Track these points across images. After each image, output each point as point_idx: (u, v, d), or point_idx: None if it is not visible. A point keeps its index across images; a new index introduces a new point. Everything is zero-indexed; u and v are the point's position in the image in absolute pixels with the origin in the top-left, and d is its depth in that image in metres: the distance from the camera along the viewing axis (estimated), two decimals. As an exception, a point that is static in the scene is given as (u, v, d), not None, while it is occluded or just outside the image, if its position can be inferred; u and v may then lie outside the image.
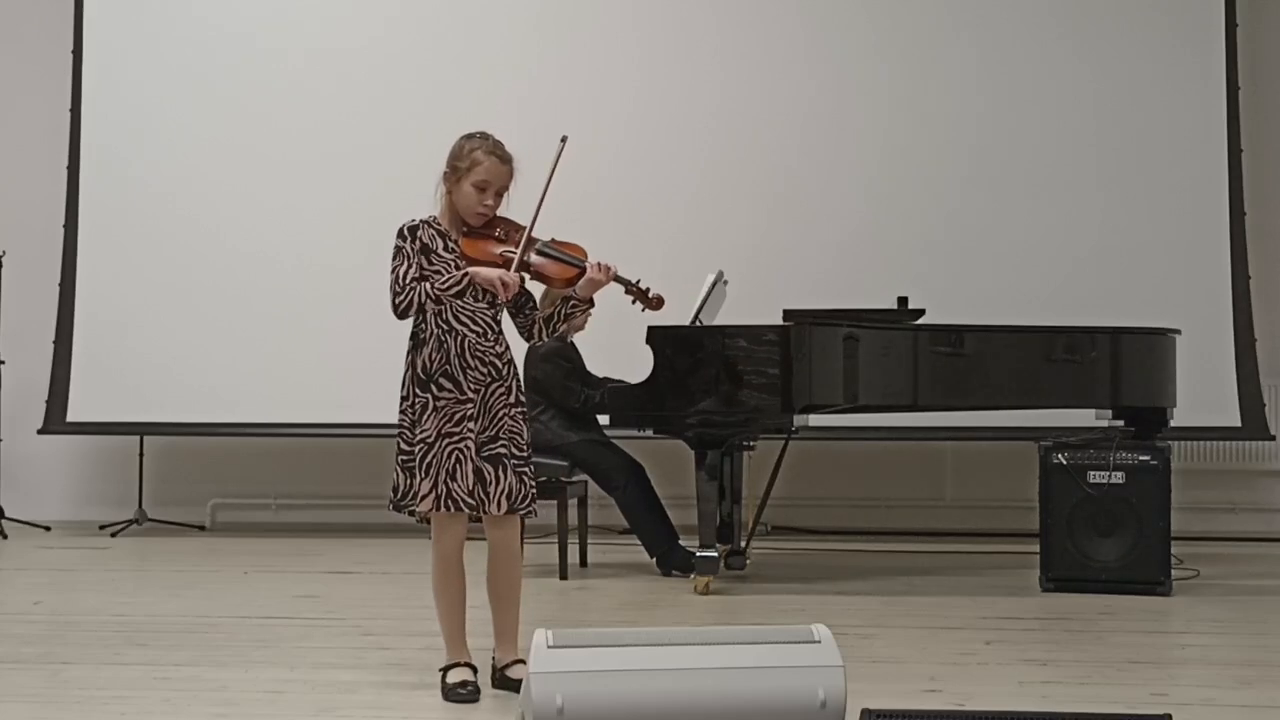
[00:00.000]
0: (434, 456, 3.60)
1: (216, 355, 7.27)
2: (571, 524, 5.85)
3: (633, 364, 5.46)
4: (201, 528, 7.54)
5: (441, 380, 3.62)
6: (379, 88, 7.41)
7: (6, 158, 7.81)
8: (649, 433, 5.62)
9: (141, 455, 7.47)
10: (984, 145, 7.24)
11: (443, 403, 3.62)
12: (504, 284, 3.56)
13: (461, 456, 3.61)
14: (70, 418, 7.36)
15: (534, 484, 3.72)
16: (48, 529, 7.23)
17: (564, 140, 3.66)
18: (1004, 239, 7.17)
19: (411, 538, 6.81)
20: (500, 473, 3.64)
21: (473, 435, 3.62)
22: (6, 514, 7.22)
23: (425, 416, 3.61)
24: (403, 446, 3.66)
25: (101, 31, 7.52)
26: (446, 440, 3.61)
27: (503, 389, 3.68)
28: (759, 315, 5.48)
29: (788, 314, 5.41)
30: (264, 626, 4.67)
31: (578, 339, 5.94)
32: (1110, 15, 7.27)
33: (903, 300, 5.81)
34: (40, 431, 7.39)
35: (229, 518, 7.70)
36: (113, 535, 7.16)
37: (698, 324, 5.43)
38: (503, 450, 3.65)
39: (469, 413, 3.63)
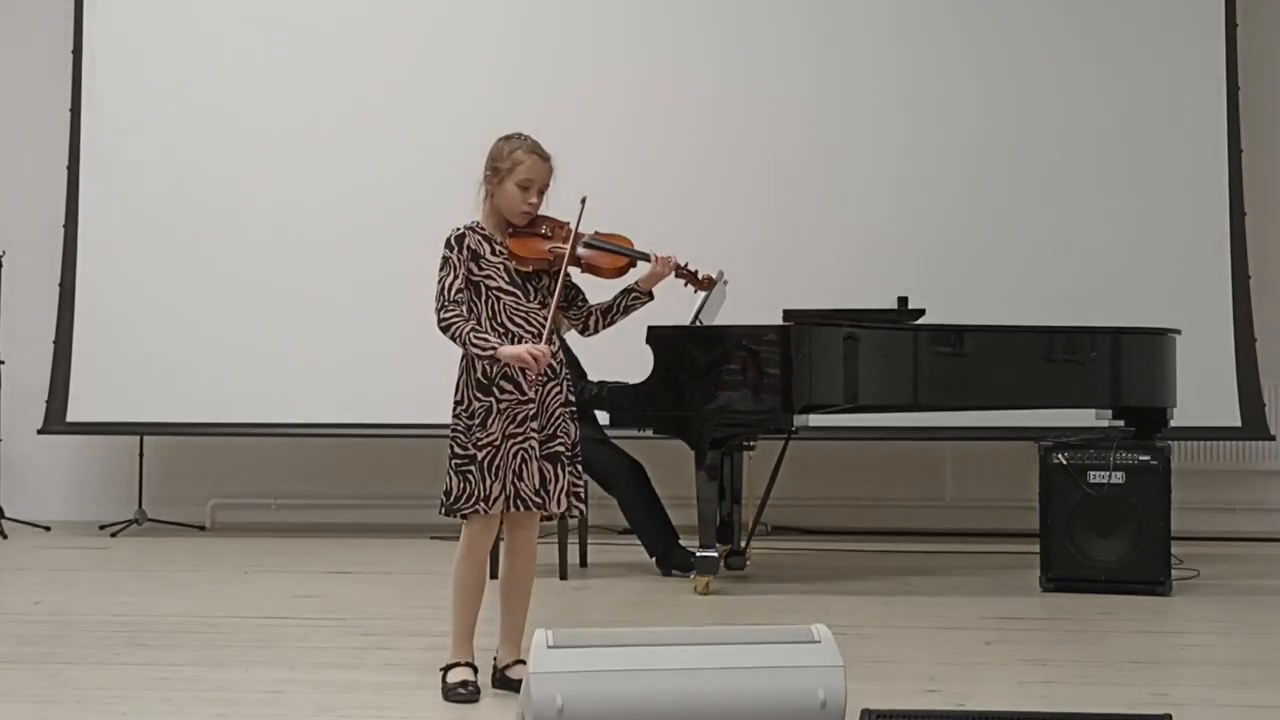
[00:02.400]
0: (501, 458, 3.63)
1: (216, 355, 7.26)
2: (572, 524, 5.85)
3: (633, 364, 5.46)
4: (201, 528, 7.53)
5: (503, 383, 3.64)
6: (381, 88, 7.40)
7: (6, 158, 7.81)
8: (649, 433, 5.62)
9: (141, 455, 7.47)
10: (984, 145, 7.24)
11: (505, 405, 3.64)
12: (534, 358, 3.56)
13: (527, 456, 3.65)
14: (70, 418, 7.35)
15: (581, 483, 3.76)
16: (48, 529, 7.23)
17: (584, 201, 3.69)
18: (1004, 239, 7.17)
19: (411, 537, 6.83)
20: (560, 471, 3.69)
21: (536, 435, 3.66)
22: (6, 514, 7.21)
23: (490, 420, 3.63)
24: (458, 450, 3.65)
25: (101, 31, 7.51)
26: (511, 441, 3.64)
27: (558, 388, 3.72)
28: (759, 315, 5.48)
29: (788, 314, 5.42)
30: (264, 626, 4.67)
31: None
32: (1110, 15, 7.26)
33: (903, 300, 5.81)
34: (40, 431, 7.38)
35: (229, 518, 7.70)
36: (113, 535, 7.15)
37: (698, 324, 5.43)
38: (561, 449, 3.70)
39: (530, 412, 3.66)
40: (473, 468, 3.63)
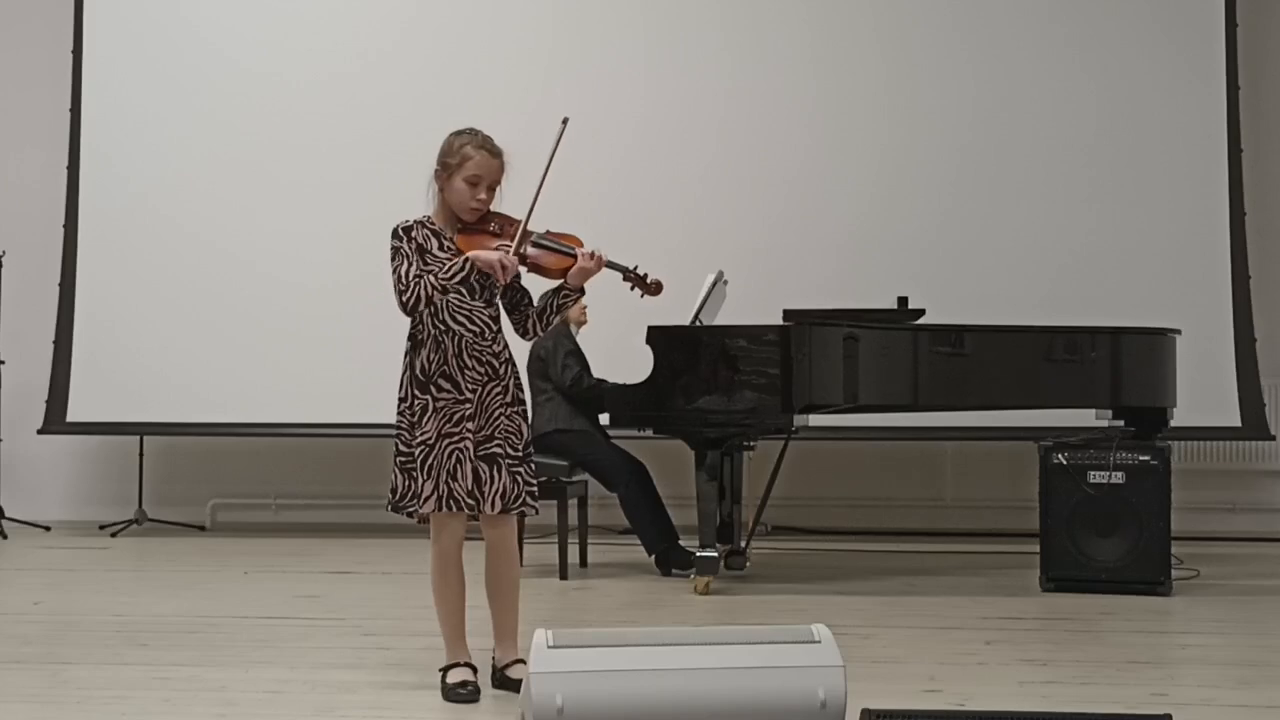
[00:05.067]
0: (435, 457, 3.60)
1: (216, 355, 7.27)
2: (571, 524, 5.85)
3: (633, 364, 5.46)
4: (201, 528, 7.54)
5: (440, 381, 3.62)
6: (381, 88, 7.41)
7: (6, 158, 7.82)
8: (649, 433, 5.62)
9: (141, 455, 7.47)
10: (984, 145, 7.25)
11: (442, 403, 3.62)
12: (503, 266, 3.56)
13: (461, 456, 3.61)
14: (70, 418, 7.36)
15: (532, 483, 3.71)
16: (48, 529, 7.23)
17: (565, 122, 3.62)
18: (1004, 239, 7.18)
19: (411, 538, 6.81)
20: (495, 472, 3.64)
21: (471, 435, 3.62)
22: (6, 514, 7.22)
23: (425, 418, 3.61)
24: (401, 448, 3.65)
25: (101, 31, 7.52)
26: (447, 440, 3.61)
27: (500, 388, 3.68)
28: (759, 315, 5.48)
29: (788, 314, 5.41)
30: (264, 626, 4.67)
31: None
32: (1110, 15, 7.27)
33: (903, 300, 5.81)
34: (40, 431, 7.39)
35: (229, 518, 7.70)
36: (113, 535, 7.16)
37: (698, 324, 5.43)
38: (498, 450, 3.65)
39: (467, 412, 3.63)
40: (415, 466, 3.62)
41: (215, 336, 7.29)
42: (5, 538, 7.04)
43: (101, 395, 7.32)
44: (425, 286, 3.59)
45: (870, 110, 7.30)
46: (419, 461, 3.61)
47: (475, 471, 3.62)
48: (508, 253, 3.61)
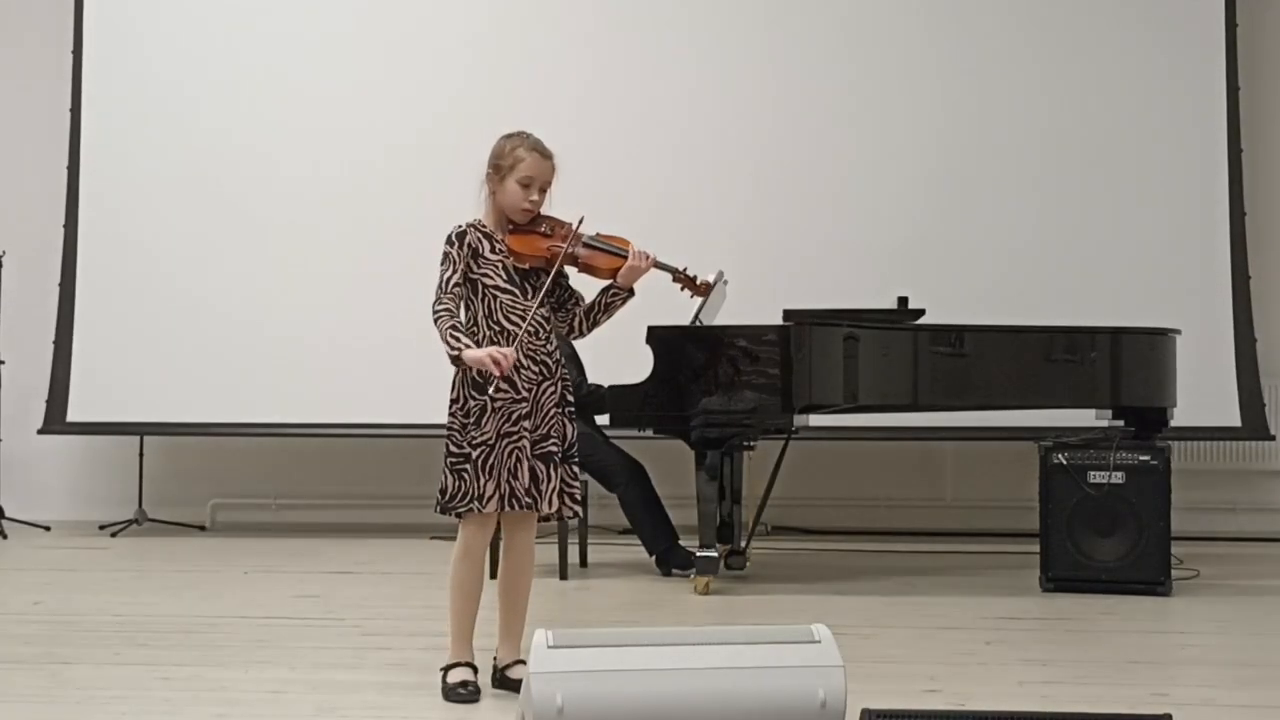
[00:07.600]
0: (496, 457, 3.63)
1: (217, 355, 7.26)
2: (571, 524, 5.84)
3: (633, 364, 5.46)
4: (201, 528, 7.53)
5: (497, 381, 3.63)
6: (381, 88, 7.40)
7: (6, 158, 7.81)
8: (649, 433, 5.62)
9: (141, 455, 7.47)
10: (984, 145, 7.24)
11: (500, 404, 3.64)
12: (494, 362, 3.52)
13: (521, 455, 3.64)
14: (70, 418, 7.35)
15: (574, 485, 3.74)
16: (48, 529, 7.22)
17: (581, 220, 3.70)
18: (1004, 239, 7.17)
19: (411, 537, 6.83)
20: (551, 471, 3.68)
21: (528, 434, 3.65)
22: (6, 514, 7.21)
23: (485, 419, 3.63)
24: (453, 449, 3.65)
25: (101, 31, 7.51)
26: (506, 440, 3.64)
27: (553, 387, 3.71)
28: (759, 315, 5.48)
29: (788, 314, 5.42)
30: (264, 626, 4.67)
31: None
32: (1110, 15, 7.27)
33: (903, 300, 5.81)
34: (40, 431, 7.38)
35: (229, 518, 7.70)
36: (113, 535, 7.15)
37: (698, 324, 5.43)
38: (553, 449, 3.69)
39: (524, 411, 3.65)
40: (467, 466, 3.63)
41: (215, 336, 7.28)
42: (5, 538, 7.03)
43: (101, 395, 7.31)
44: (441, 324, 3.58)
45: (871, 110, 7.29)
46: (478, 462, 3.62)
47: (532, 470, 3.65)
48: (557, 259, 3.65)
